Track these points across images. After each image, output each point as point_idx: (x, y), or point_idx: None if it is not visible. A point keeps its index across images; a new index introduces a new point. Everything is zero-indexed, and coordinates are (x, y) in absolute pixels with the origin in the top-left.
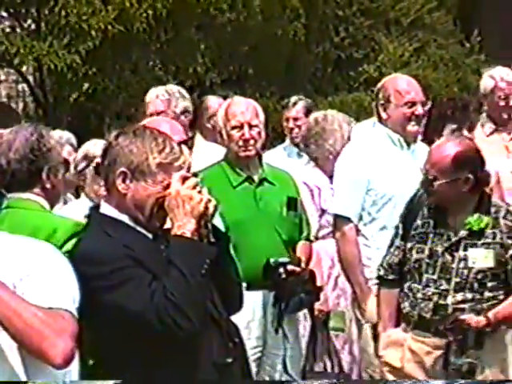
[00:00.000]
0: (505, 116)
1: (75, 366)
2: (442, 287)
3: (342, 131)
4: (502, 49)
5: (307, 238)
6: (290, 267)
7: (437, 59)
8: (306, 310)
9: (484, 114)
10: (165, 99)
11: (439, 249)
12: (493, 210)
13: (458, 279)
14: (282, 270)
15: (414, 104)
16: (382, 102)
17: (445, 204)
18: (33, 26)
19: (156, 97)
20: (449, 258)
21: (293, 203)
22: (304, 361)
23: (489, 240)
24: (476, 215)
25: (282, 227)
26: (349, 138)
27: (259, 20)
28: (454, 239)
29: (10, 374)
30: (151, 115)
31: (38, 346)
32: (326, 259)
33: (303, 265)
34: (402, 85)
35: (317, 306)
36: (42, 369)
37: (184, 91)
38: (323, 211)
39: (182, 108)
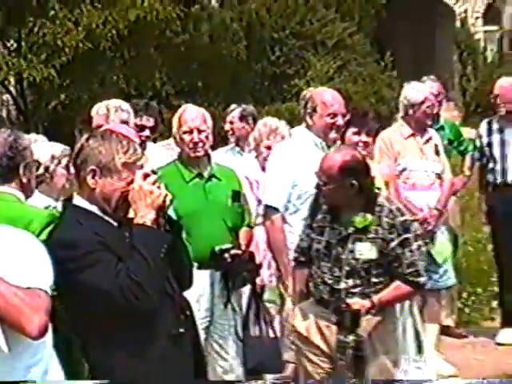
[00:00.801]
0: (428, 122)
1: (49, 337)
2: (335, 274)
3: (255, 132)
4: (411, 66)
5: (248, 225)
6: (233, 252)
7: (356, 75)
8: None
9: (400, 120)
10: (103, 114)
11: (333, 241)
12: (377, 209)
13: (348, 268)
14: (226, 255)
15: (335, 115)
16: (309, 110)
17: (335, 204)
18: (14, 45)
19: (96, 112)
20: (340, 249)
21: (236, 196)
22: (243, 326)
23: (372, 235)
24: (361, 214)
25: (227, 216)
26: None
27: (207, 41)
28: (344, 234)
29: None
30: (96, 127)
31: (18, 320)
32: (261, 243)
33: (244, 247)
34: (327, 97)
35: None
36: (21, 339)
37: (125, 105)
38: (260, 201)
39: (118, 121)
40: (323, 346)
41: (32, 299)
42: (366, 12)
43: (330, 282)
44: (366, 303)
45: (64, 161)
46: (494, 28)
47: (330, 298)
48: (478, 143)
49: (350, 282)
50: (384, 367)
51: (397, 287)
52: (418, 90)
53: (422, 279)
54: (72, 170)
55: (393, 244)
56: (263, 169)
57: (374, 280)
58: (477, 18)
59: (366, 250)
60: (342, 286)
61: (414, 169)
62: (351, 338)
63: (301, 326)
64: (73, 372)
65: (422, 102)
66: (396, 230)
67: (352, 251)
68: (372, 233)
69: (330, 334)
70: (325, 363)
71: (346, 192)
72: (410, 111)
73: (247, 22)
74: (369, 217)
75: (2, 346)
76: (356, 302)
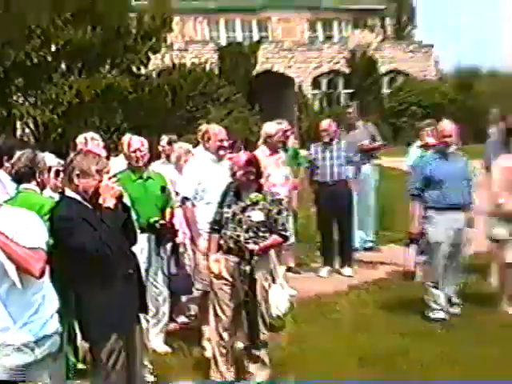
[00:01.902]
0: (279, 146)
1: (47, 276)
2: (238, 231)
3: (175, 152)
4: (269, 113)
5: (171, 207)
6: (161, 222)
7: (237, 118)
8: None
9: (262, 146)
10: (83, 142)
11: (237, 211)
12: (263, 191)
13: (245, 226)
14: (157, 224)
15: (222, 141)
16: (206, 138)
17: (241, 187)
18: (32, 100)
19: (79, 141)
20: (241, 216)
21: (164, 189)
22: (167, 267)
23: (261, 207)
24: (254, 194)
25: (158, 202)
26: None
27: (148, 98)
28: (243, 206)
29: (11, 281)
30: (80, 150)
31: (26, 267)
32: (178, 218)
33: (168, 220)
34: (216, 130)
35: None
36: (29, 278)
37: (96, 136)
38: (177, 193)
39: (92, 145)
40: (230, 279)
41: (35, 254)
42: (242, 80)
43: (234, 236)
44: (257, 247)
45: (53, 170)
46: (317, 91)
47: (235, 246)
48: (309, 159)
49: (247, 235)
50: (265, 288)
51: (274, 239)
52: (272, 127)
53: (288, 233)
54: (61, 175)
55: (273, 212)
56: (180, 173)
57: (261, 234)
58: (307, 85)
59: (257, 215)
60: (242, 238)
61: (273, 174)
62: (248, 267)
63: (214, 267)
64: (63, 299)
65: (275, 134)
66: (275, 203)
67: (249, 216)
68: (261, 205)
69: (234, 270)
70: (231, 290)
71: (248, 176)
72: (268, 140)
73: (173, 86)
74: (259, 195)
75: (17, 283)
76: (250, 246)
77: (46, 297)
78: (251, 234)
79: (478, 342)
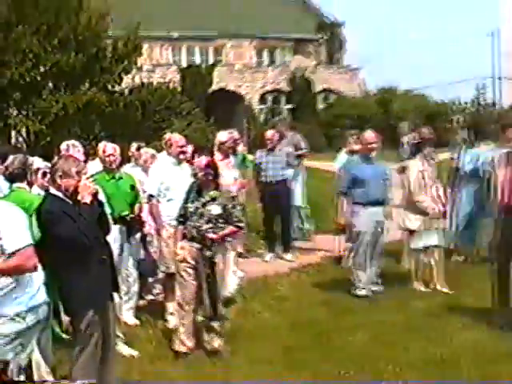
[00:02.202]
0: (230, 152)
1: (40, 270)
2: (200, 222)
3: (143, 156)
4: (219, 124)
5: (139, 203)
6: (131, 215)
7: (196, 128)
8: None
9: (217, 152)
10: (65, 148)
11: (199, 206)
12: (221, 189)
13: (206, 218)
14: (128, 218)
15: (182, 147)
16: (168, 146)
17: (202, 186)
18: (25, 113)
19: (62, 148)
20: (203, 209)
21: (133, 188)
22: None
23: (218, 202)
24: (213, 191)
25: (128, 198)
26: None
27: (122, 111)
28: (204, 201)
29: None
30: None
31: (23, 269)
32: (145, 212)
33: (137, 213)
34: (177, 138)
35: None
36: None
37: (77, 143)
38: (144, 191)
39: (73, 151)
40: (193, 262)
41: (23, 255)
42: (200, 97)
43: (196, 226)
44: (216, 236)
45: (41, 171)
46: (263, 106)
47: (197, 235)
48: (255, 162)
49: (207, 226)
50: (221, 273)
51: (230, 229)
52: (224, 135)
53: (242, 224)
54: (48, 176)
55: (229, 206)
56: (147, 174)
57: (220, 225)
58: (255, 101)
59: (215, 209)
60: (203, 228)
61: (224, 176)
62: (209, 252)
63: (180, 252)
64: (49, 281)
65: (226, 142)
66: (230, 199)
67: (209, 210)
68: (218, 201)
69: (197, 255)
70: (194, 272)
71: (207, 177)
72: (221, 146)
73: (142, 101)
74: (217, 192)
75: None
76: (210, 235)
77: (33, 276)
78: (211, 224)
79: (393, 312)
